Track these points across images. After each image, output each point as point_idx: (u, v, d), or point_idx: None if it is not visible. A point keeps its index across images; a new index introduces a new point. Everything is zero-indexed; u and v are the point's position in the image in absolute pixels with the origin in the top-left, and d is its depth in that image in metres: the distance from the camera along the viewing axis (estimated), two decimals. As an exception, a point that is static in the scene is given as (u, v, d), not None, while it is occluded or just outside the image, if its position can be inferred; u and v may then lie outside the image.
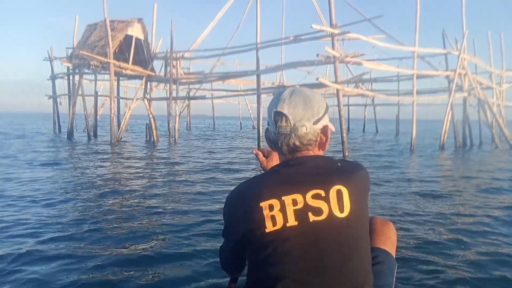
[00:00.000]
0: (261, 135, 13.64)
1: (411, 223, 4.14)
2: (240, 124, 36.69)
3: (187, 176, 7.42)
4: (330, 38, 11.57)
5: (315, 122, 1.28)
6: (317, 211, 1.19)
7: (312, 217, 1.18)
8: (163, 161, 10.05)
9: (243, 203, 1.23)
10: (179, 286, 2.57)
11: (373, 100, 27.34)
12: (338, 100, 11.46)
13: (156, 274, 2.76)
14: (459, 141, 15.84)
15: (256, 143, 14.19)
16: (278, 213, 1.17)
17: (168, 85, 17.43)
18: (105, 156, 10.96)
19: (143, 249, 3.25)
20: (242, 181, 1.34)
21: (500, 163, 10.81)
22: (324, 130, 1.31)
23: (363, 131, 30.49)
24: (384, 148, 15.41)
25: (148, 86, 18.04)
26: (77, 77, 18.02)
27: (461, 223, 4.20)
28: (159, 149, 13.41)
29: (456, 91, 15.21)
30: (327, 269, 1.17)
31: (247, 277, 1.27)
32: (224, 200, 1.32)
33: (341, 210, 1.20)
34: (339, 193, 1.21)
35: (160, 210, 4.62)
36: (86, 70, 17.55)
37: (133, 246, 3.32)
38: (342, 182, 1.22)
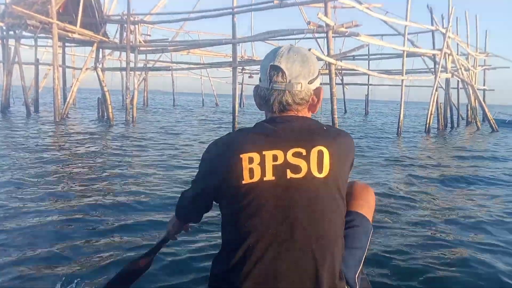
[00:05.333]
0: (236, 114, 11.91)
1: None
2: (202, 100, 34.47)
3: (156, 167, 5.65)
4: (322, 4, 9.96)
5: (310, 82, 1.25)
6: (296, 169, 1.17)
7: (289, 174, 1.16)
8: (122, 144, 8.09)
9: (225, 153, 1.19)
10: None
11: (342, 79, 26.36)
12: (330, 76, 9.98)
13: None
14: (442, 123, 15.13)
15: (231, 125, 12.39)
16: (257, 167, 1.15)
17: (123, 53, 15.07)
18: (45, 137, 8.76)
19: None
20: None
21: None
22: (317, 91, 1.28)
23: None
24: (372, 132, 14.31)
25: (100, 54, 15.53)
26: (12, 41, 15.13)
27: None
28: (115, 129, 11.29)
29: (441, 72, 14.35)
30: (298, 226, 1.16)
31: (222, 233, 1.25)
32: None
33: (320, 171, 1.18)
34: (320, 154, 1.18)
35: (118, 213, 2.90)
36: (24, 33, 14.68)
37: None
38: (324, 144, 1.19)
